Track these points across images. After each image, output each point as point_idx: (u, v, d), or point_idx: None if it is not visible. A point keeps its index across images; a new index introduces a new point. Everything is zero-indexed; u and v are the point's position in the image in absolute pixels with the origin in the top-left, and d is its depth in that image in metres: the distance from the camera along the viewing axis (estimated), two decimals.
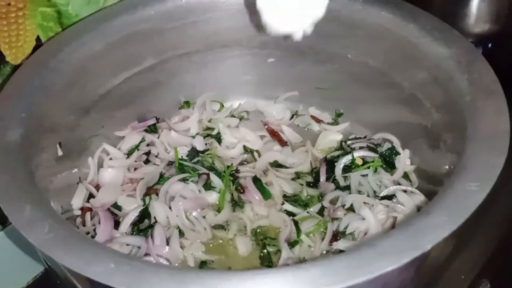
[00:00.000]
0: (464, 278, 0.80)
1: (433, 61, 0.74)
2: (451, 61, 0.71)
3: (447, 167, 0.72)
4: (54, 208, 0.62)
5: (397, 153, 0.85)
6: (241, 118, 0.98)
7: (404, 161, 0.84)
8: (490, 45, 1.08)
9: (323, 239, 0.77)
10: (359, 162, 0.84)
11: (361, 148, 0.87)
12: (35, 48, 0.85)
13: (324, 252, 0.76)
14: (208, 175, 0.84)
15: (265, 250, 0.77)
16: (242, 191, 0.85)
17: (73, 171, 0.80)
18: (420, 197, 0.77)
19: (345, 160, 0.84)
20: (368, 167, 0.83)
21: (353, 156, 0.84)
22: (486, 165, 0.56)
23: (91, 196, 0.81)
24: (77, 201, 0.79)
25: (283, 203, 0.83)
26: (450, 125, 0.72)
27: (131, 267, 0.46)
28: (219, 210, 0.82)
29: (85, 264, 0.47)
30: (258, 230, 0.80)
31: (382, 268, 0.46)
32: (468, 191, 0.53)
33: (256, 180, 0.84)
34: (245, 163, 0.91)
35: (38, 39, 0.87)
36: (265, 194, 0.83)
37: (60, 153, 0.74)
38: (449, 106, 0.71)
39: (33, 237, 0.50)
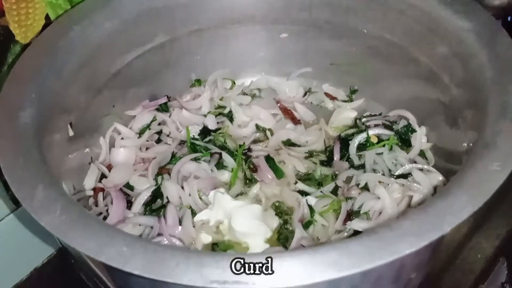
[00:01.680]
0: (480, 257, 0.79)
1: (453, 35, 0.71)
2: (472, 35, 0.68)
3: (465, 144, 0.70)
4: (66, 190, 0.61)
5: (413, 131, 0.83)
6: (253, 96, 0.97)
7: (420, 138, 0.82)
8: (509, 18, 1.05)
9: (337, 218, 0.76)
10: (374, 140, 0.83)
11: (376, 125, 0.85)
12: (45, 27, 0.84)
13: (338, 232, 0.75)
14: (220, 154, 0.83)
15: (282, 228, 0.76)
16: (254, 170, 0.84)
17: (85, 151, 0.79)
18: (437, 176, 0.76)
19: (360, 138, 0.83)
20: (383, 145, 0.81)
21: (368, 134, 0.82)
22: (508, 144, 0.54)
23: (103, 176, 0.81)
24: (89, 182, 0.78)
25: (296, 182, 0.81)
26: (469, 102, 0.69)
27: (145, 250, 0.45)
28: None
29: (98, 248, 0.46)
30: (277, 204, 0.79)
31: (400, 251, 0.45)
32: (490, 171, 0.51)
33: (268, 159, 0.83)
34: (258, 141, 0.89)
35: (47, 17, 0.85)
36: (278, 173, 0.82)
37: (71, 133, 0.73)
38: (469, 82, 0.69)
39: (45, 220, 0.49)
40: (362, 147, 0.83)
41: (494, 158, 0.52)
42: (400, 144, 0.82)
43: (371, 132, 0.83)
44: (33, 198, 0.51)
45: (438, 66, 0.77)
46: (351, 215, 0.76)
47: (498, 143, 0.54)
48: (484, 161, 0.52)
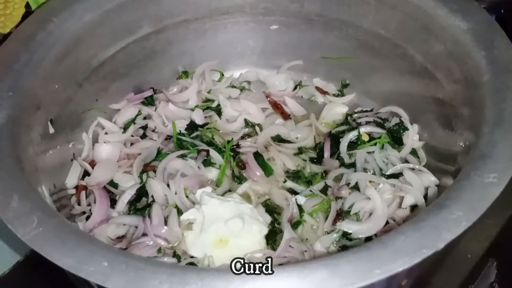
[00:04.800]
0: (470, 257, 0.78)
1: (449, 34, 0.69)
2: (468, 35, 0.66)
3: (458, 145, 0.68)
4: (43, 195, 0.59)
5: (406, 129, 0.81)
6: (242, 89, 0.94)
7: (412, 137, 0.80)
8: (503, 11, 1.04)
9: (326, 218, 0.75)
10: (365, 138, 0.81)
11: (367, 123, 0.83)
12: (25, 15, 0.81)
13: (327, 232, 0.73)
14: (207, 151, 0.80)
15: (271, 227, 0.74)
16: (243, 167, 0.81)
17: (67, 148, 0.77)
18: (429, 177, 0.74)
19: (351, 136, 0.80)
20: (375, 144, 0.79)
21: (359, 132, 0.80)
22: (505, 153, 0.52)
23: (86, 173, 0.78)
24: (71, 180, 0.76)
25: (285, 181, 0.80)
26: (464, 102, 0.68)
27: (126, 266, 0.43)
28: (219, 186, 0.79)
29: (77, 263, 0.44)
30: (267, 202, 0.78)
31: (392, 269, 0.43)
32: (485, 183, 0.49)
33: (257, 156, 0.81)
34: (246, 137, 0.87)
35: (27, 5, 0.82)
36: (267, 170, 0.80)
37: (52, 130, 0.70)
38: (464, 83, 0.67)
39: (21, 232, 0.47)
40: (353, 145, 0.81)
41: (490, 170, 0.50)
42: (391, 142, 0.80)
43: (363, 129, 0.81)
44: (9, 208, 0.48)
45: (433, 64, 0.75)
46: (341, 214, 0.74)
47: (494, 153, 0.52)
48: (480, 173, 0.50)
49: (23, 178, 0.53)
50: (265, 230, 0.73)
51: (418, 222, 0.47)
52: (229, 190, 0.79)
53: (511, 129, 0.54)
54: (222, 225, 0.72)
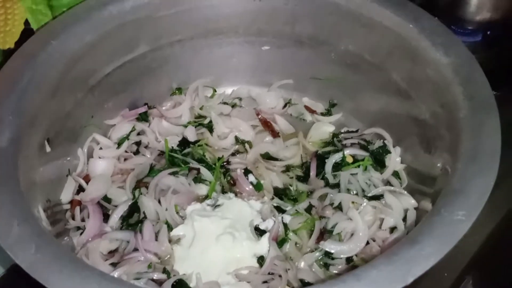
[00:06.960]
0: (447, 275, 0.82)
1: (431, 66, 0.73)
2: (448, 70, 0.70)
3: (438, 166, 0.72)
4: (40, 217, 0.62)
5: (388, 152, 0.84)
6: (233, 106, 0.97)
7: (394, 160, 0.84)
8: (489, 32, 1.07)
9: (310, 236, 0.78)
10: (350, 160, 0.84)
11: (352, 144, 0.86)
12: (24, 32, 0.83)
13: (311, 251, 0.77)
14: (198, 169, 0.83)
15: None
16: (233, 183, 0.85)
17: (63, 163, 0.79)
18: (408, 199, 0.78)
19: (336, 157, 0.84)
20: (358, 166, 0.83)
21: (343, 154, 0.84)
22: (475, 190, 0.56)
23: (81, 187, 0.81)
24: (66, 195, 0.79)
25: (272, 198, 0.83)
26: (442, 131, 0.71)
27: None
28: None
29: None
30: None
31: None
32: (454, 220, 0.53)
33: (247, 172, 0.85)
34: (237, 153, 0.90)
35: (26, 22, 0.84)
36: (257, 186, 0.84)
37: (48, 149, 0.73)
38: (442, 115, 0.71)
39: (20, 258, 0.50)
40: (337, 166, 0.84)
41: (460, 207, 0.54)
42: (374, 165, 0.84)
43: (347, 152, 0.84)
44: (9, 234, 0.51)
45: (416, 92, 0.79)
46: (324, 233, 0.78)
47: (466, 190, 0.56)
48: (451, 209, 0.54)
49: (22, 201, 0.56)
50: (255, 247, 0.76)
51: (391, 256, 0.50)
52: (218, 205, 0.82)
53: (482, 167, 0.58)
54: (213, 241, 0.75)
